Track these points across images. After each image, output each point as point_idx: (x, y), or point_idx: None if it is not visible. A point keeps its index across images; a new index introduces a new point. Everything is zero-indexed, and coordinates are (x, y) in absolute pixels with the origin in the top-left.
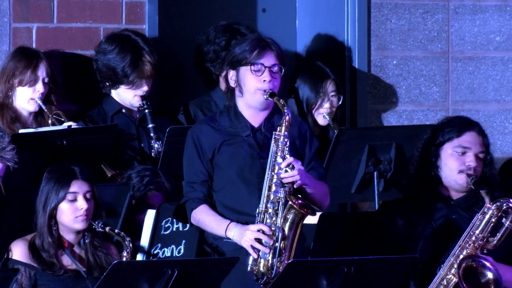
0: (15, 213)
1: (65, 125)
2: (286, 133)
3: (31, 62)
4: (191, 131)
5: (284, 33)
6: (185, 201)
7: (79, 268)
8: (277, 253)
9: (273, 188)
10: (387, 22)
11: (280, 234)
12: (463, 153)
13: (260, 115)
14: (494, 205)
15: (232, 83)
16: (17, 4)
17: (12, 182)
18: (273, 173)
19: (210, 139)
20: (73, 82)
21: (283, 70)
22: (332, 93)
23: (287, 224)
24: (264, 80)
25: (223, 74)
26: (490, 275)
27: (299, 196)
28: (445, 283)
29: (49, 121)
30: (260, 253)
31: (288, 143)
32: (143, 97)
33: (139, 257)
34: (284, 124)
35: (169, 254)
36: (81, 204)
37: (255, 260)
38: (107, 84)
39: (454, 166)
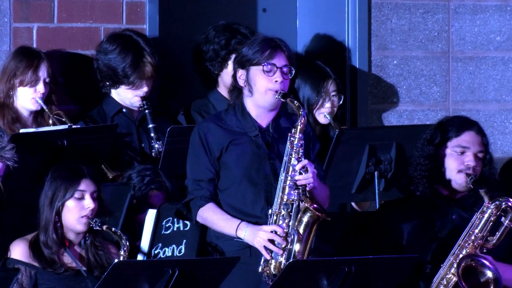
0: (15, 213)
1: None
2: (301, 135)
3: (32, 62)
4: (198, 129)
5: (284, 33)
6: (190, 199)
7: (80, 267)
8: (292, 255)
9: (287, 190)
10: (388, 22)
11: (296, 237)
12: (462, 153)
13: (268, 116)
14: (493, 204)
15: (241, 82)
16: (17, 4)
17: (12, 182)
18: (287, 175)
19: (218, 138)
20: (73, 82)
21: (293, 71)
22: (333, 93)
23: (302, 227)
24: (276, 81)
25: (223, 72)
26: (489, 274)
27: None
28: (445, 283)
29: (50, 121)
30: (273, 254)
31: (303, 146)
32: (143, 98)
33: (140, 257)
34: (299, 126)
35: (169, 254)
36: (88, 203)
37: (266, 261)
38: (107, 83)
39: (453, 165)
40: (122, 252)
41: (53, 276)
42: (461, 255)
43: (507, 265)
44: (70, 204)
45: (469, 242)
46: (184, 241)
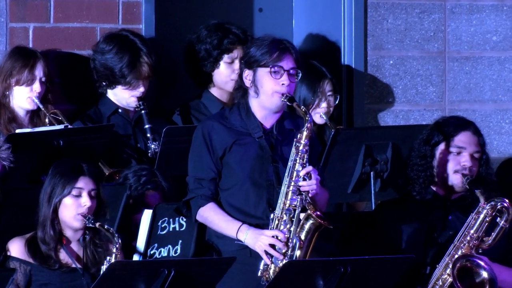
0: (12, 213)
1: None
2: (307, 140)
3: (28, 61)
4: (201, 127)
5: (280, 32)
6: (191, 198)
7: (76, 264)
8: None
9: (290, 195)
10: (384, 22)
11: (297, 243)
12: (458, 153)
13: (272, 118)
14: (489, 204)
15: (248, 83)
16: (13, 4)
17: (9, 182)
18: (291, 180)
19: (221, 137)
20: (69, 81)
21: (299, 74)
22: (329, 93)
23: (303, 233)
24: (283, 84)
25: (214, 72)
26: (485, 274)
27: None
28: (440, 283)
29: (46, 120)
30: (273, 259)
31: (308, 151)
32: (139, 98)
33: (136, 257)
34: (305, 132)
35: (165, 254)
36: (85, 201)
37: (266, 266)
38: (104, 83)
39: (449, 166)
40: (114, 250)
41: (48, 271)
42: (456, 256)
43: (503, 266)
44: (67, 201)
45: (464, 242)
46: (180, 241)
